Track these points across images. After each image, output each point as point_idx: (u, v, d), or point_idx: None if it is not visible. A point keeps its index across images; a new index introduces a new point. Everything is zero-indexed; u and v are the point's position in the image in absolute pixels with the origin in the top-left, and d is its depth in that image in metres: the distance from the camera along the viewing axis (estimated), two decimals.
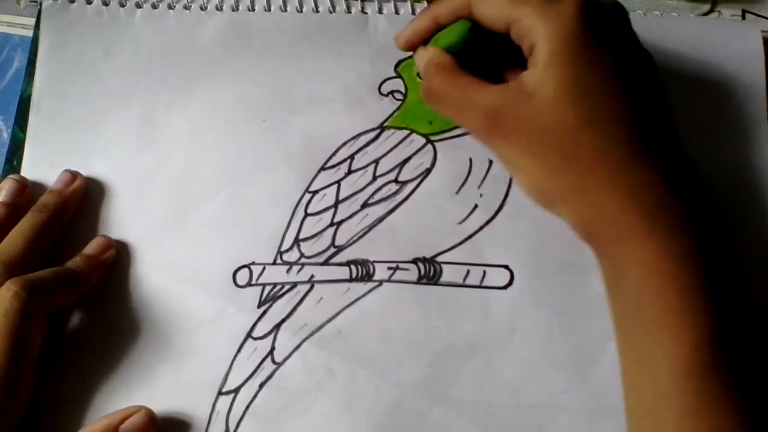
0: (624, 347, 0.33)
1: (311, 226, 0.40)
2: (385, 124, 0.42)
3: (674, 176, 0.32)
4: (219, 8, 0.44)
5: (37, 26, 0.44)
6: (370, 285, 0.39)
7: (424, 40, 0.38)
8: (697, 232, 0.32)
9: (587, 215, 0.33)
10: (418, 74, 0.43)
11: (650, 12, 0.45)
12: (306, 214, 0.40)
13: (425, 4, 0.45)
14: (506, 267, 0.39)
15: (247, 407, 0.37)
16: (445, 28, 0.37)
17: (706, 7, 0.47)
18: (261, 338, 0.38)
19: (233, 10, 0.44)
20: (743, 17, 0.47)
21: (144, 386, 0.37)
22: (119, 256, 0.39)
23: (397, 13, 0.45)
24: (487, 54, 0.37)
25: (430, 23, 0.37)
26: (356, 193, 0.41)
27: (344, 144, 0.42)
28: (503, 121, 0.34)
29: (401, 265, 0.39)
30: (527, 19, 0.33)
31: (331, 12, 0.45)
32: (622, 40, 0.34)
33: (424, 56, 0.38)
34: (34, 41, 0.44)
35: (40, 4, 0.44)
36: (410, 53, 0.43)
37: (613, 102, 0.32)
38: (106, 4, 0.44)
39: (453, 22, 0.37)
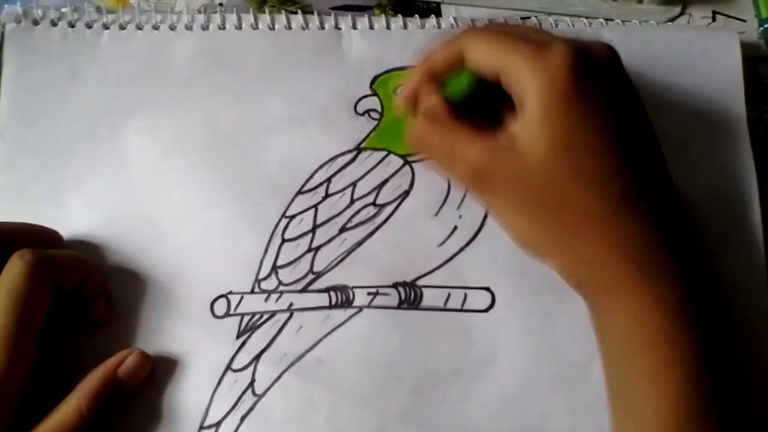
0: (611, 394, 0.33)
1: (289, 253, 0.39)
2: (362, 145, 0.41)
3: (666, 223, 0.32)
4: (189, 27, 0.43)
5: (0, 50, 0.42)
6: (350, 311, 0.39)
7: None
8: (687, 278, 0.31)
9: (574, 268, 0.33)
10: (394, 90, 0.42)
11: (627, 21, 0.45)
12: (283, 240, 0.40)
13: (400, 18, 0.44)
14: (487, 289, 0.39)
15: None
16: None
17: (677, 9, 0.46)
18: (241, 370, 0.38)
19: (203, 30, 0.43)
20: (713, 19, 0.47)
21: (125, 421, 0.36)
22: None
23: (371, 28, 0.44)
24: (489, 95, 0.35)
25: (428, 76, 0.37)
26: (334, 217, 0.40)
27: (321, 167, 0.41)
28: (490, 177, 0.33)
29: (381, 290, 0.39)
30: (516, 71, 0.32)
31: (303, 29, 0.44)
32: (615, 87, 0.33)
33: (424, 101, 0.37)
34: None
35: (3, 27, 0.43)
36: (386, 68, 0.42)
37: (605, 156, 0.32)
38: (72, 26, 0.43)
39: (449, 71, 0.36)
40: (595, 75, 0.32)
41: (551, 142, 0.31)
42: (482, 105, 0.36)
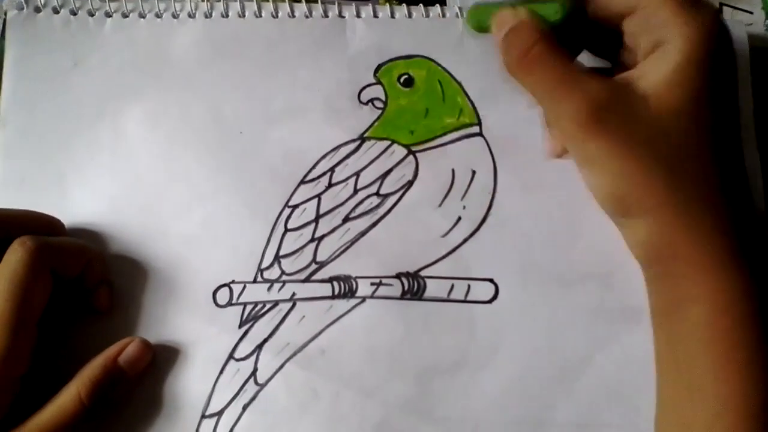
0: (671, 379, 0.32)
1: (292, 242, 0.39)
2: (365, 135, 0.41)
3: (744, 218, 0.31)
4: (191, 15, 0.43)
5: (2, 37, 0.42)
6: (353, 302, 0.38)
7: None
8: (759, 277, 0.30)
9: (666, 234, 0.31)
10: (398, 79, 0.42)
11: None
12: (286, 230, 0.39)
13: (404, 7, 0.43)
14: (491, 281, 0.39)
15: (231, 430, 0.36)
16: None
17: None
18: (243, 359, 0.37)
19: (206, 18, 0.43)
20: (720, 10, 0.46)
21: (126, 410, 0.36)
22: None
23: (375, 16, 0.43)
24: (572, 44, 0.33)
25: None
26: (337, 206, 0.40)
27: (324, 156, 0.41)
28: (609, 115, 0.30)
29: (384, 281, 0.39)
30: (665, 14, 0.30)
31: (307, 17, 0.43)
32: (731, 58, 0.32)
33: (509, 18, 0.33)
34: (0, 53, 0.42)
35: (5, 14, 0.42)
36: (390, 57, 0.42)
37: (727, 129, 0.31)
38: (74, 14, 0.43)
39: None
40: (727, 39, 0.31)
41: (689, 92, 0.30)
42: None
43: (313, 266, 0.39)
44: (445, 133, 0.41)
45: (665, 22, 0.30)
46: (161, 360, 0.37)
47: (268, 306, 0.38)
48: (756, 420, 0.29)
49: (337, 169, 0.40)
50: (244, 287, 0.39)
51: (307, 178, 0.40)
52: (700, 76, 0.30)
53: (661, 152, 0.30)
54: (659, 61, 0.30)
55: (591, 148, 0.31)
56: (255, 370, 0.37)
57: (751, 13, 0.47)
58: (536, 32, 0.32)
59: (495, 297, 0.39)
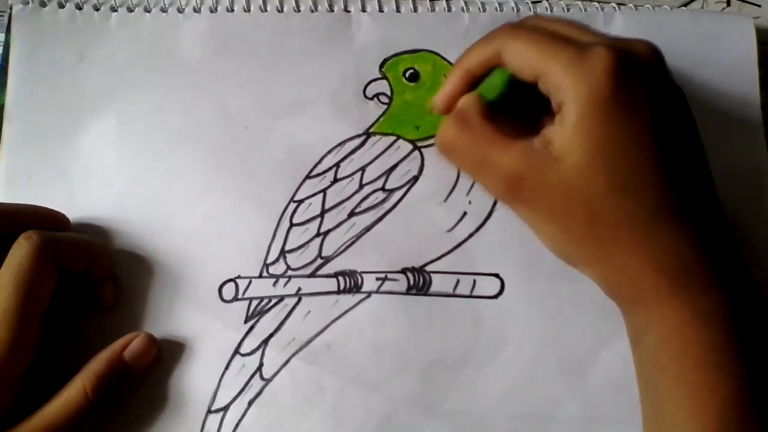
0: (645, 404, 0.33)
1: (297, 237, 0.39)
2: (371, 130, 0.41)
3: (707, 234, 0.31)
4: (197, 10, 0.43)
5: (7, 32, 0.42)
6: (358, 297, 0.38)
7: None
8: (728, 289, 0.31)
9: (610, 278, 0.32)
10: (403, 73, 0.42)
11: (640, 6, 0.44)
12: (291, 225, 0.39)
13: (409, 1, 0.43)
14: (497, 275, 0.39)
15: (237, 425, 0.37)
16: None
17: None
18: (249, 354, 0.38)
19: (211, 12, 0.43)
20: (728, 3, 0.46)
21: (132, 405, 0.37)
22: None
23: (381, 10, 0.43)
24: (526, 96, 0.34)
25: (465, 79, 0.35)
26: (343, 201, 0.40)
27: (330, 151, 0.41)
28: (525, 186, 0.32)
29: (390, 276, 0.39)
30: (555, 76, 0.31)
31: (312, 11, 0.43)
32: (658, 90, 0.32)
33: (438, 101, 0.36)
34: (6, 48, 0.42)
35: (11, 9, 0.42)
36: (396, 51, 0.42)
37: (644, 165, 0.31)
38: (79, 8, 0.43)
39: (488, 73, 0.35)
40: (636, 80, 0.31)
41: (588, 150, 0.30)
42: (519, 107, 0.35)
43: (319, 261, 0.39)
44: None
45: (558, 85, 0.31)
46: (167, 355, 0.37)
47: (273, 301, 0.38)
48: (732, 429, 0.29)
49: (342, 164, 0.40)
50: (250, 282, 0.39)
51: (313, 173, 0.40)
52: (598, 130, 0.30)
53: (578, 211, 0.31)
54: (560, 123, 0.31)
55: (519, 214, 0.34)
56: (261, 365, 0.37)
57: (759, 6, 0.46)
58: (453, 119, 0.34)
59: (500, 292, 0.39)
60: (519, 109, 0.35)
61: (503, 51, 0.34)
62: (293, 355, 0.38)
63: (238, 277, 0.39)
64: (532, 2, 0.44)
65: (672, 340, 0.31)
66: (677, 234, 0.31)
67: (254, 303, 0.38)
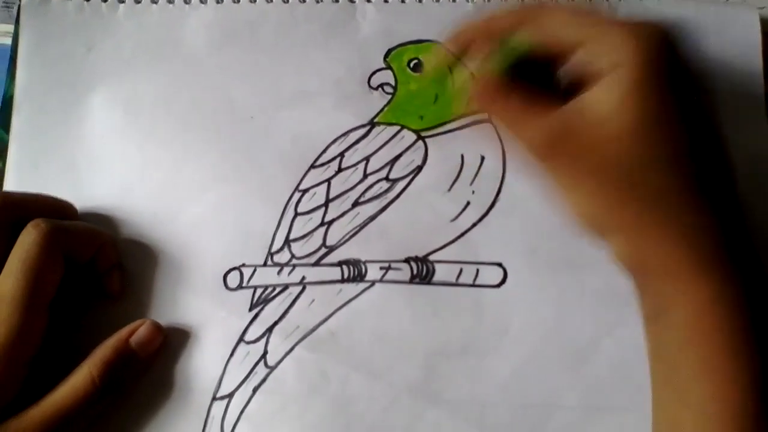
0: (661, 383, 0.33)
1: (301, 226, 0.40)
2: (375, 120, 0.41)
3: (725, 217, 0.31)
4: (203, 1, 0.43)
5: (16, 23, 0.43)
6: (362, 285, 0.39)
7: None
8: (744, 274, 0.31)
9: (638, 249, 0.32)
10: (408, 64, 0.42)
11: None
12: (296, 214, 0.40)
13: None
14: (499, 265, 0.39)
15: (242, 412, 0.37)
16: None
17: None
18: (253, 342, 0.38)
19: (217, 3, 0.43)
20: None
21: (138, 392, 0.37)
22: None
23: (385, 1, 0.43)
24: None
25: (485, 33, 0.35)
26: (347, 191, 0.40)
27: (334, 141, 0.41)
28: (565, 145, 0.32)
29: (393, 265, 0.39)
30: (608, 43, 0.31)
31: (317, 1, 0.43)
32: (686, 71, 0.32)
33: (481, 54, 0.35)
34: (15, 39, 0.43)
35: (19, 0, 0.43)
36: (400, 42, 0.42)
37: (681, 140, 0.31)
38: (87, 0, 0.43)
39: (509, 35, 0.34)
40: (680, 58, 0.32)
41: (637, 118, 0.30)
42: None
43: (323, 250, 0.39)
44: (454, 119, 0.41)
45: (611, 51, 0.31)
46: (172, 343, 0.38)
47: (278, 289, 0.39)
48: (743, 417, 0.29)
49: (346, 154, 0.41)
50: (255, 270, 0.39)
51: (317, 163, 0.40)
52: (649, 99, 0.30)
53: (616, 176, 0.31)
54: (609, 87, 0.31)
55: (553, 174, 0.33)
56: (265, 352, 0.38)
57: None
58: (493, 77, 0.34)
59: (503, 281, 0.39)
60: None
61: (542, 19, 0.33)
62: (297, 343, 0.38)
63: (243, 265, 0.39)
64: None
65: (700, 320, 0.30)
66: (704, 212, 0.31)
67: (259, 291, 0.39)
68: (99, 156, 0.41)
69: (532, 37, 0.34)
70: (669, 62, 0.31)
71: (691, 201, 0.31)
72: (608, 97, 0.31)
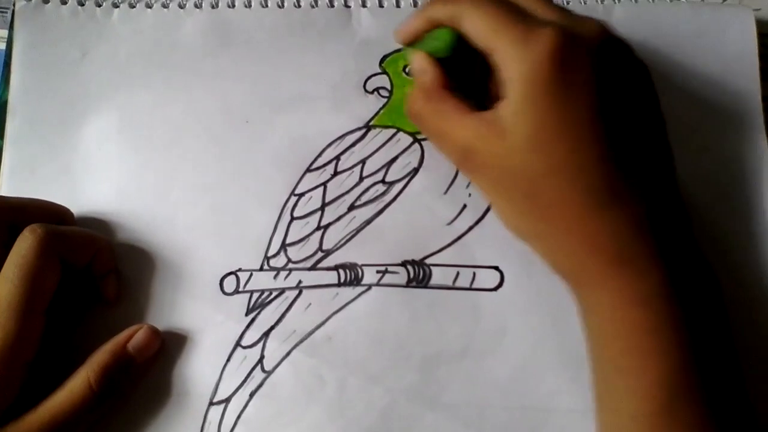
0: (593, 384, 0.34)
1: (298, 230, 0.40)
2: (371, 123, 0.41)
3: (656, 213, 0.32)
4: (198, 6, 0.43)
5: (10, 28, 0.43)
6: (358, 289, 0.39)
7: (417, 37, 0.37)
8: (673, 269, 0.31)
9: (553, 256, 0.33)
10: (404, 69, 0.42)
11: None
12: (292, 218, 0.40)
13: None
14: (496, 268, 0.39)
15: (239, 417, 0.37)
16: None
17: None
18: (250, 347, 0.38)
19: (213, 7, 0.43)
20: None
21: (135, 397, 0.37)
22: None
23: (381, 6, 0.44)
24: (480, 61, 0.35)
25: (425, 24, 0.36)
26: (343, 194, 0.40)
27: (330, 144, 0.41)
28: (475, 156, 0.33)
29: (390, 269, 0.39)
30: (501, 54, 0.32)
31: (313, 6, 0.43)
32: (607, 68, 0.32)
33: (414, 60, 0.36)
34: (9, 44, 0.42)
35: (14, 5, 0.43)
36: (396, 48, 0.42)
37: (582, 147, 0.31)
38: (81, 4, 0.43)
39: (444, 26, 0.35)
40: (581, 62, 0.31)
41: (528, 130, 0.31)
42: (472, 70, 0.36)
43: (319, 254, 0.39)
44: None
45: (504, 63, 0.32)
46: (169, 347, 0.38)
47: (274, 294, 0.39)
48: (657, 415, 0.30)
49: (342, 157, 0.40)
50: (251, 275, 0.39)
51: (313, 167, 0.40)
52: (540, 110, 0.31)
53: (519, 187, 0.32)
54: (505, 99, 0.32)
55: (473, 183, 0.35)
56: (262, 357, 0.38)
57: None
58: (418, 89, 0.35)
59: (500, 284, 0.39)
60: (476, 70, 0.36)
61: (463, 18, 0.34)
62: (294, 347, 0.38)
63: (239, 270, 0.39)
64: None
65: (610, 322, 0.32)
66: (618, 215, 0.31)
67: (255, 296, 0.39)
68: (95, 160, 0.41)
69: (455, 36, 0.34)
70: (565, 69, 0.31)
71: (599, 206, 0.31)
72: (506, 107, 0.32)
